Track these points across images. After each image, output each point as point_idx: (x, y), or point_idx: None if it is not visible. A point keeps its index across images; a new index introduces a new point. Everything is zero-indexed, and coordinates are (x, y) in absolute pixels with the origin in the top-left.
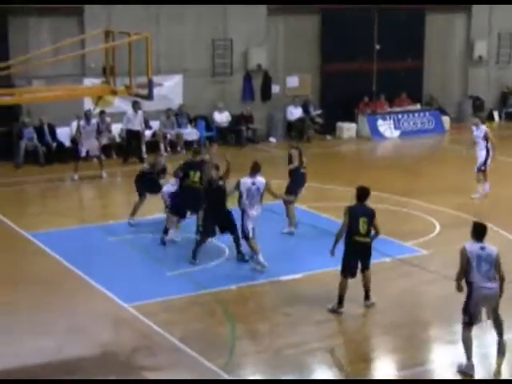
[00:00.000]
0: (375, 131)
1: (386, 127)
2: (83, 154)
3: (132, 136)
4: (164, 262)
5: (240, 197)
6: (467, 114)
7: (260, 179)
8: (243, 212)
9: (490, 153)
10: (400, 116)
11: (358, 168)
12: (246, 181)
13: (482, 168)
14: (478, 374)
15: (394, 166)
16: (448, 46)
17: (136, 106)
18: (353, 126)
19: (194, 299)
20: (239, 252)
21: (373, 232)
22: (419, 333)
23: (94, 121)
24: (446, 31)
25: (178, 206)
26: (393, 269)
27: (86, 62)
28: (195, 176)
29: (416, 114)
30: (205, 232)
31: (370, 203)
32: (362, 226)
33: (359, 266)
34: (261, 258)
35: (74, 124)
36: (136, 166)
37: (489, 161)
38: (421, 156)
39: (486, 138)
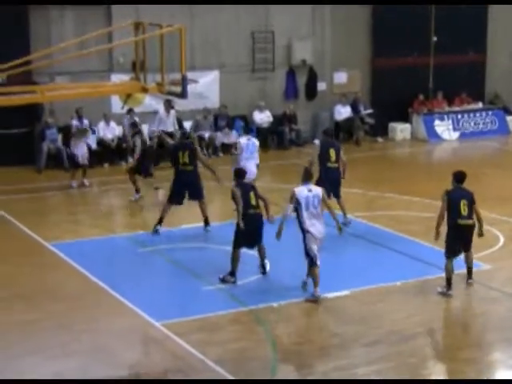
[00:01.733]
0: (432, 132)
1: (443, 128)
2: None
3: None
4: (199, 276)
5: (298, 211)
6: None
7: (315, 187)
8: (305, 232)
9: None
10: (459, 116)
11: (413, 173)
12: (302, 189)
13: None
14: None
15: (452, 172)
16: None
17: (168, 105)
18: (407, 126)
19: (232, 317)
20: (263, 265)
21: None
22: (480, 356)
23: (86, 121)
24: None
25: (172, 193)
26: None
27: (113, 57)
28: (184, 157)
29: (477, 114)
30: (236, 244)
31: (426, 213)
32: (463, 208)
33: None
34: (319, 291)
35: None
36: (168, 171)
37: None
38: (483, 160)
39: None
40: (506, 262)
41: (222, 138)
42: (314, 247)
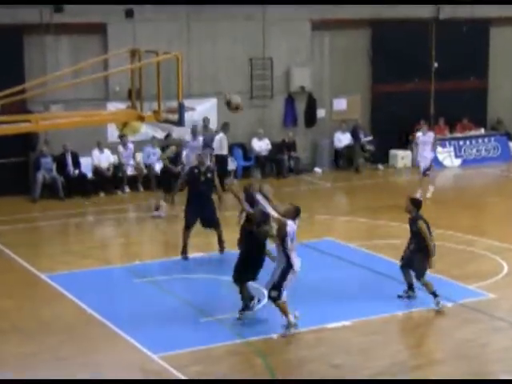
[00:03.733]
0: (433, 160)
1: (445, 155)
2: None
3: (220, 161)
4: (197, 307)
5: (283, 240)
6: None
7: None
8: (289, 265)
9: None
10: (461, 142)
11: None
12: (292, 223)
13: None
14: None
15: (455, 199)
16: None
17: (227, 128)
18: (408, 153)
19: (231, 349)
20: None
21: None
22: None
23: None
24: None
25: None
26: (455, 315)
27: (109, 85)
28: None
29: (480, 140)
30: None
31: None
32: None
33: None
34: (292, 318)
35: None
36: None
37: None
38: (485, 188)
39: None
40: (510, 290)
41: None
42: (290, 283)
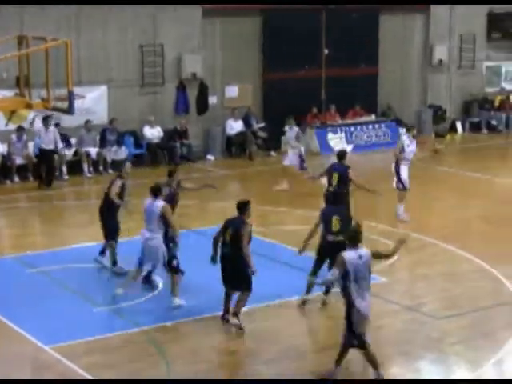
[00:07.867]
0: (325, 145)
1: (336, 141)
2: None
3: (44, 156)
4: (90, 297)
5: (345, 281)
6: (427, 126)
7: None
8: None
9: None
10: (352, 128)
11: (306, 187)
12: (351, 254)
13: None
14: None
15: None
16: (405, 49)
17: (48, 122)
18: None
19: (125, 338)
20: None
21: None
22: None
23: None
24: (403, 33)
25: None
26: None
27: None
28: None
29: (370, 126)
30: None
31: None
32: None
33: None
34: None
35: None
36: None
37: None
38: (376, 172)
39: None
40: (402, 274)
41: (110, 154)
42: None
